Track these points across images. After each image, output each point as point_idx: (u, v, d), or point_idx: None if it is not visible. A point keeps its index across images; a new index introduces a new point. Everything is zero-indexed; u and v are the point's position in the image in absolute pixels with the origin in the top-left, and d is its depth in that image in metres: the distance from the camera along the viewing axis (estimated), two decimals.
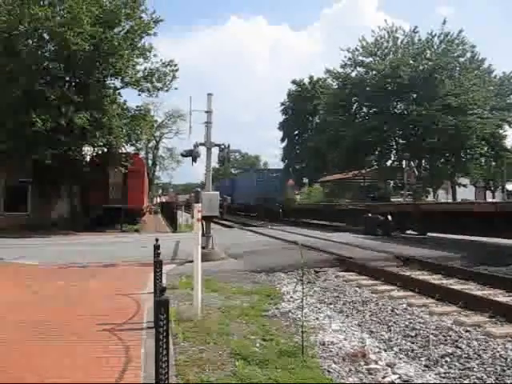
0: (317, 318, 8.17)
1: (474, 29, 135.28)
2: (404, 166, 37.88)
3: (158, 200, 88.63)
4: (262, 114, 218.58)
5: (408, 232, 22.34)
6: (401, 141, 44.45)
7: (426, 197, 45.70)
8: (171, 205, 46.18)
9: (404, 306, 8.97)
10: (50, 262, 14.25)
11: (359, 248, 16.36)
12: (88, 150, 29.09)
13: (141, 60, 28.59)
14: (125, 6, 26.84)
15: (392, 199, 35.60)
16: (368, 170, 48.02)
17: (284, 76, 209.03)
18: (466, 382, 5.46)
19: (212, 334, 6.78)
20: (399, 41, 44.26)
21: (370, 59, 44.89)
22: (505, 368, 5.73)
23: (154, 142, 71.81)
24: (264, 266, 13.20)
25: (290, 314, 8.32)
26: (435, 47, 42.99)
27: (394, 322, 7.84)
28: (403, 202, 30.51)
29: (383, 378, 5.55)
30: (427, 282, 10.82)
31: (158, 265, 7.65)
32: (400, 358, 6.24)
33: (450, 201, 42.00)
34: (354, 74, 46.51)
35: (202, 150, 14.89)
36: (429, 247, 16.68)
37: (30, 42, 25.73)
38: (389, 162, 45.95)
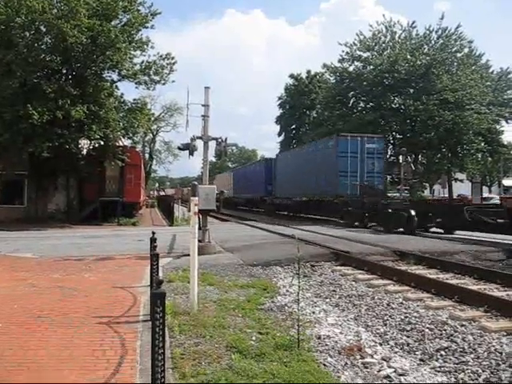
0: (313, 312, 8.18)
1: (470, 24, 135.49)
2: (401, 161, 37.83)
3: (162, 193, 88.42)
4: (259, 107, 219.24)
5: None
6: (398, 135, 44.54)
7: (423, 192, 45.79)
8: (168, 198, 46.04)
9: (400, 300, 9.00)
10: (46, 255, 14.24)
11: (356, 242, 16.38)
12: (85, 143, 29.07)
13: (138, 53, 28.68)
14: None
15: (388, 194, 35.49)
16: None
17: (281, 70, 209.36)
18: (460, 375, 5.49)
19: (208, 327, 6.78)
20: (397, 35, 44.30)
21: (368, 54, 44.93)
22: (500, 362, 5.75)
23: (151, 135, 71.57)
24: (260, 259, 13.20)
25: (286, 307, 8.34)
26: (433, 42, 43.08)
27: (390, 316, 7.86)
28: None
29: (379, 371, 5.56)
30: (423, 276, 10.85)
31: (154, 258, 7.64)
32: (395, 352, 6.26)
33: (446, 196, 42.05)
34: (351, 69, 46.57)
35: (199, 143, 14.86)
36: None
37: (27, 35, 25.64)
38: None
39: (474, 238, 17.68)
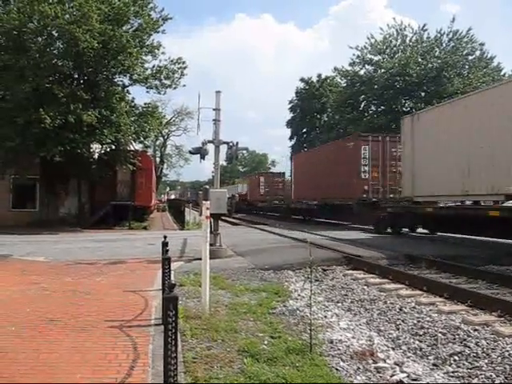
0: (325, 316, 8.16)
1: (480, 26, 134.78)
2: None
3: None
4: (270, 111, 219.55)
5: None
6: None
7: None
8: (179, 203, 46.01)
9: (412, 304, 8.95)
10: (58, 259, 14.31)
11: (367, 247, 16.32)
12: (96, 148, 29.17)
13: (149, 57, 28.74)
14: (134, 3, 26.92)
15: None
16: None
17: (291, 74, 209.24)
18: (474, 381, 5.44)
19: (220, 331, 6.78)
20: (408, 39, 44.24)
21: (379, 57, 44.90)
22: None
23: (162, 139, 71.92)
24: (272, 263, 13.18)
25: (298, 311, 8.32)
26: (444, 45, 42.94)
27: (402, 321, 7.82)
28: None
29: (391, 376, 5.53)
30: (435, 280, 10.78)
31: (166, 262, 7.65)
32: (408, 357, 6.23)
33: None
34: (362, 72, 46.55)
35: (210, 147, 14.89)
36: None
37: (39, 40, 25.81)
38: None
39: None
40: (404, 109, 43.37)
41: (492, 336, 6.86)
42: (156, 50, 28.49)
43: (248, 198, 56.16)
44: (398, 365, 5.87)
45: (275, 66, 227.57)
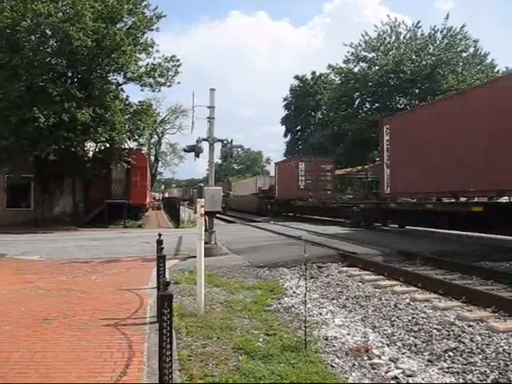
0: (320, 313, 8.17)
1: (474, 23, 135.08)
2: None
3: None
4: (264, 109, 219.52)
5: None
6: None
7: None
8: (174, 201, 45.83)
9: (407, 300, 8.97)
10: (53, 258, 14.27)
11: (362, 243, 16.33)
12: (91, 146, 29.10)
13: (143, 55, 28.71)
14: (127, 1, 26.85)
15: None
16: (371, 165, 48.00)
17: (285, 71, 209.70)
18: (469, 376, 5.46)
19: (215, 328, 6.78)
20: (402, 36, 44.27)
21: (373, 54, 44.95)
22: (508, 363, 5.72)
23: (157, 137, 71.60)
24: (267, 261, 13.17)
25: (293, 308, 8.33)
26: (438, 42, 43.00)
27: (397, 317, 7.84)
28: None
29: (386, 372, 5.54)
30: (430, 277, 10.80)
31: (161, 260, 7.64)
32: (403, 353, 6.24)
33: None
34: (356, 69, 46.55)
35: (205, 145, 14.88)
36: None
37: (33, 38, 25.70)
38: None
39: None
40: (398, 106, 43.44)
41: (486, 332, 6.89)
42: (150, 48, 28.50)
43: (276, 194, 38.61)
44: (392, 361, 5.89)
45: (269, 63, 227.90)
